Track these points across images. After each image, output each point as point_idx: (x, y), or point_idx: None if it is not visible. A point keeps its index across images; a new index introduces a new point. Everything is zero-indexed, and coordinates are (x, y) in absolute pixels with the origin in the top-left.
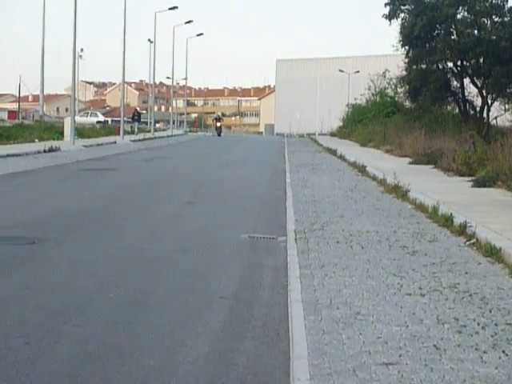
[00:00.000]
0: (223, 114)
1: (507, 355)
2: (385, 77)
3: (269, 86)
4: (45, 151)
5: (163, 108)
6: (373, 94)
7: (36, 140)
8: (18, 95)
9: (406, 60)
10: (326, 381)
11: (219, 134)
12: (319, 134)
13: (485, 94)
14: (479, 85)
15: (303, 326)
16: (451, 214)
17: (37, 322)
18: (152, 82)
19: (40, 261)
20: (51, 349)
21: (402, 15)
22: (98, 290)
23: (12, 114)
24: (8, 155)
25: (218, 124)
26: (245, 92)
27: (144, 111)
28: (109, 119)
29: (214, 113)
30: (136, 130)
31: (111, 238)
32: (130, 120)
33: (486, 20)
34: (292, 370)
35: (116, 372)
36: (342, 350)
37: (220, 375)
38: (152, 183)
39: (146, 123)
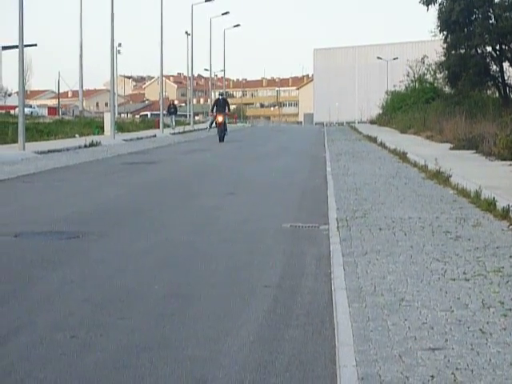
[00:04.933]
0: (262, 105)
1: None
2: (423, 63)
3: (307, 76)
4: (85, 146)
5: (202, 100)
6: (412, 81)
7: (76, 135)
8: (57, 91)
9: (445, 45)
10: (372, 367)
11: (222, 138)
12: (359, 122)
13: None
14: None
15: (348, 313)
16: (494, 199)
17: (82, 315)
18: (190, 75)
19: (84, 255)
20: (97, 341)
21: (440, 0)
22: (143, 283)
23: (52, 110)
24: (49, 151)
25: (220, 118)
26: (283, 82)
27: (183, 104)
28: (148, 113)
29: (252, 104)
30: (174, 123)
31: (154, 230)
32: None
33: None
34: (338, 357)
35: (162, 363)
36: (387, 336)
37: (265, 363)
38: (193, 175)
39: (185, 116)
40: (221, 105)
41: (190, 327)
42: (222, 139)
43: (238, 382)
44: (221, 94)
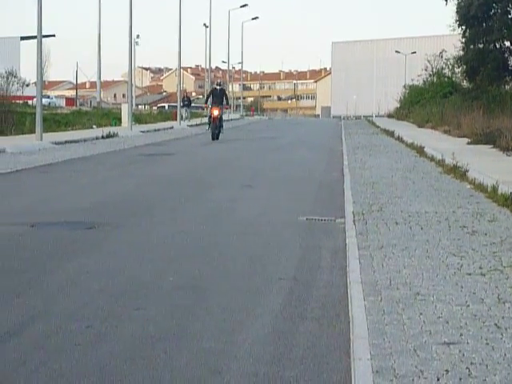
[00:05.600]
0: (279, 98)
1: None
2: (442, 57)
3: (325, 69)
4: (103, 137)
5: None
6: (430, 75)
7: (94, 126)
8: (75, 82)
9: (463, 40)
10: (387, 360)
11: (216, 135)
12: (376, 116)
13: None
14: None
15: (363, 306)
16: (511, 193)
17: (97, 305)
18: (208, 67)
19: (99, 245)
20: (112, 331)
21: None
22: (158, 274)
23: (70, 100)
24: (66, 141)
25: (215, 112)
26: (301, 75)
27: (200, 96)
28: (165, 104)
29: (269, 96)
30: (188, 115)
31: (170, 222)
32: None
33: None
34: (352, 350)
35: (177, 354)
36: (402, 330)
37: (280, 356)
38: (209, 167)
39: (202, 108)
40: (218, 96)
41: (204, 319)
42: (215, 137)
43: (253, 374)
44: (218, 84)
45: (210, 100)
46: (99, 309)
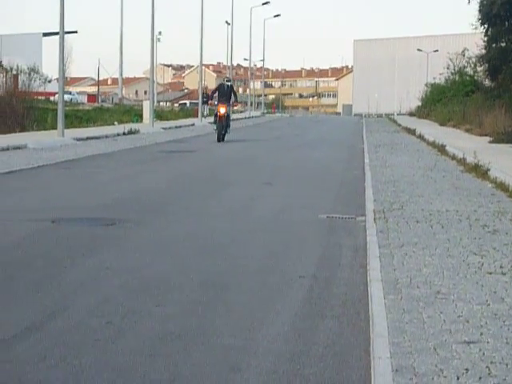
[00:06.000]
0: (300, 95)
1: None
2: (464, 56)
3: (346, 67)
4: (124, 134)
5: (241, 90)
6: (452, 73)
7: (115, 123)
8: (97, 79)
9: (485, 38)
10: (407, 359)
11: (221, 137)
12: (398, 114)
13: None
14: None
15: (383, 304)
16: None
17: (118, 301)
18: (229, 64)
19: (120, 241)
20: (132, 328)
21: None
22: (178, 270)
23: (91, 97)
24: (88, 138)
25: (222, 110)
26: (322, 73)
27: None
28: (187, 101)
29: (291, 94)
30: (206, 111)
31: (191, 218)
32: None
33: None
34: (372, 348)
35: (197, 350)
36: (422, 328)
37: (300, 353)
38: (230, 165)
39: None
40: (225, 93)
41: (224, 316)
42: (221, 138)
43: (272, 371)
44: (227, 80)
45: (215, 96)
46: (119, 305)
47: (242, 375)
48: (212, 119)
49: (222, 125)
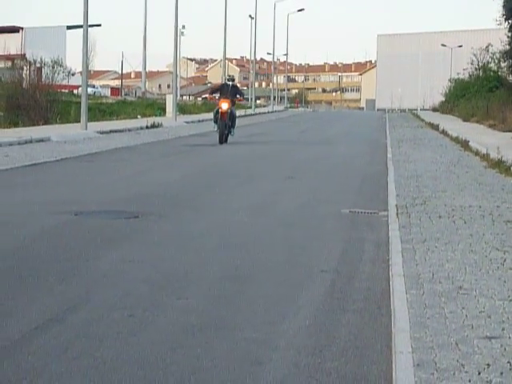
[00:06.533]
0: (324, 90)
1: None
2: (488, 51)
3: (370, 61)
4: (147, 127)
5: (264, 84)
6: (476, 69)
7: (138, 116)
8: (120, 72)
9: (509, 34)
10: (429, 354)
11: (224, 138)
12: (421, 110)
13: None
14: None
15: (405, 299)
16: None
17: (140, 294)
18: (253, 58)
19: (143, 235)
20: (154, 321)
21: None
22: (200, 264)
23: (115, 90)
24: (111, 131)
25: (224, 105)
26: (346, 67)
27: (245, 87)
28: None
29: (314, 89)
30: None
31: (213, 212)
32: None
33: None
34: (394, 343)
35: (218, 344)
36: (444, 323)
37: (321, 348)
38: (252, 159)
39: (247, 99)
40: (228, 92)
41: (246, 309)
42: (223, 139)
43: (294, 365)
44: (230, 79)
45: (217, 94)
46: (141, 298)
47: (263, 369)
48: (238, 113)
49: (225, 123)
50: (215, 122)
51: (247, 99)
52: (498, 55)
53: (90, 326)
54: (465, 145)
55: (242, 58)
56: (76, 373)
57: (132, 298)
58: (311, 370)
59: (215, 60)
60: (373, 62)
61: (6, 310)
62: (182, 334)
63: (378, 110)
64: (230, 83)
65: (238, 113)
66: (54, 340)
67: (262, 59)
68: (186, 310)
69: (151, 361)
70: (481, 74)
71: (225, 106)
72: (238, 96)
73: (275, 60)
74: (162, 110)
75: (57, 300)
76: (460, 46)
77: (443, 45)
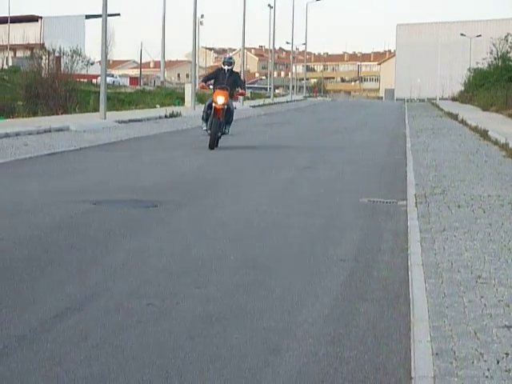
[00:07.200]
0: (342, 80)
1: None
2: (507, 41)
3: (389, 51)
4: (166, 117)
5: (282, 73)
6: (495, 58)
7: (157, 106)
8: (139, 61)
9: None
10: (447, 343)
11: (215, 141)
12: (440, 99)
13: None
14: None
15: (424, 288)
16: None
17: (159, 283)
18: (271, 48)
19: (161, 224)
20: (173, 310)
21: None
22: (219, 253)
23: (134, 80)
24: (130, 120)
25: (220, 99)
26: (364, 57)
27: (263, 77)
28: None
29: (333, 78)
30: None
31: (231, 202)
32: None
33: None
34: (412, 332)
35: (237, 333)
36: (462, 312)
37: (340, 336)
38: (271, 148)
39: (265, 89)
40: (225, 80)
41: (265, 298)
42: (214, 143)
43: (312, 353)
44: (228, 63)
45: (211, 83)
46: (160, 286)
47: (281, 357)
48: (256, 103)
49: (219, 122)
50: (205, 119)
51: (266, 89)
52: None
53: (109, 314)
54: (484, 134)
55: (261, 47)
56: (95, 361)
57: (151, 286)
58: (329, 359)
59: (234, 49)
60: (392, 51)
61: (26, 299)
62: (200, 322)
63: (396, 99)
64: (227, 68)
65: (257, 102)
66: (73, 328)
67: (280, 48)
68: (204, 299)
69: (170, 349)
70: (500, 63)
71: (221, 99)
72: (238, 88)
73: (294, 49)
74: (180, 100)
75: (76, 288)
76: (479, 36)
77: (462, 34)
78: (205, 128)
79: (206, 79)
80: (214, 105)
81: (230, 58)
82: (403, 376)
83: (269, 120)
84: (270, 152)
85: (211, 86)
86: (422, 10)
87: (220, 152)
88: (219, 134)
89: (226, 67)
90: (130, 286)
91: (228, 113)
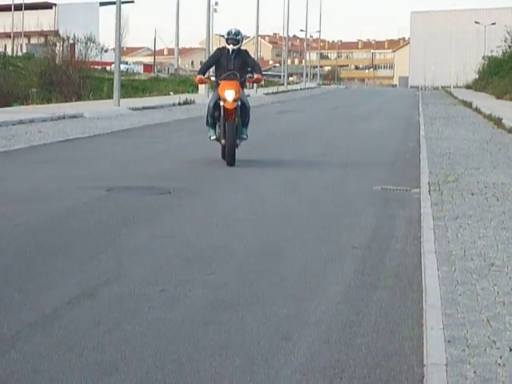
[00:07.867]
0: (356, 67)
1: None
2: None
3: (403, 39)
4: (179, 104)
5: (296, 61)
6: (509, 46)
7: (171, 93)
8: (153, 49)
9: None
10: (460, 330)
11: (231, 156)
12: (454, 87)
13: None
14: None
15: (436, 276)
16: None
17: (171, 270)
18: (285, 35)
19: (175, 210)
20: (186, 296)
21: None
22: (232, 240)
23: (147, 67)
24: (144, 107)
25: (230, 94)
26: (379, 44)
27: (277, 64)
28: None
29: (347, 66)
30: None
31: (245, 189)
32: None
33: None
34: (425, 319)
35: (249, 319)
36: (475, 300)
37: (352, 323)
38: (285, 135)
39: (279, 76)
40: (231, 65)
41: (277, 285)
42: (233, 157)
43: (324, 340)
44: (233, 40)
45: (210, 74)
46: (173, 273)
47: (293, 344)
48: (270, 90)
49: (234, 126)
50: (211, 124)
51: (279, 76)
52: None
53: (121, 300)
54: (498, 122)
55: (275, 34)
56: (107, 346)
57: (164, 273)
58: (342, 346)
59: (248, 37)
60: (406, 39)
61: (39, 284)
62: (212, 309)
63: (410, 87)
64: (231, 48)
65: (270, 90)
66: (85, 314)
67: (294, 36)
68: (217, 286)
69: (182, 336)
70: None
71: (230, 94)
72: (251, 74)
73: (308, 37)
74: (194, 87)
75: (89, 274)
76: (493, 24)
77: (477, 22)
78: (213, 137)
79: (205, 68)
80: (222, 104)
81: (238, 32)
82: (415, 363)
83: (282, 108)
84: (283, 140)
85: (213, 78)
86: None
87: None
88: (237, 141)
89: (230, 47)
90: (143, 273)
91: (244, 110)
